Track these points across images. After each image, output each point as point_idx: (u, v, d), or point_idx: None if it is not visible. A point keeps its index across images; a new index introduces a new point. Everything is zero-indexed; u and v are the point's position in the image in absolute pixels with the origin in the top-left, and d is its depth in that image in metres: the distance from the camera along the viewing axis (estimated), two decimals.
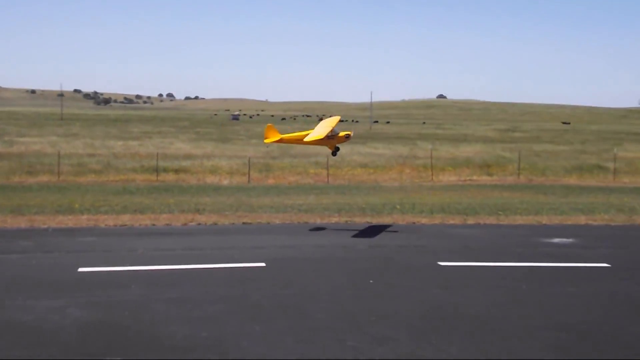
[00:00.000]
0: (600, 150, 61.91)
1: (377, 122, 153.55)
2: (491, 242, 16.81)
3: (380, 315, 10.17)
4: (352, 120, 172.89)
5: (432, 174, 41.87)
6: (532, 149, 61.45)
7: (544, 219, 20.81)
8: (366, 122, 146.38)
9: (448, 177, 41.46)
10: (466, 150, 58.88)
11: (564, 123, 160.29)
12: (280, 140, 19.10)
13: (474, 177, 41.50)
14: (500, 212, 22.13)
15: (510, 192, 31.64)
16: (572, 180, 40.26)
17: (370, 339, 9.10)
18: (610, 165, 43.32)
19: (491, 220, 20.65)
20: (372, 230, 18.41)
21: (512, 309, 10.76)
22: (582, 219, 20.87)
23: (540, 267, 13.96)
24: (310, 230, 18.39)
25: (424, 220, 20.28)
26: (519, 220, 20.75)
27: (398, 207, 23.44)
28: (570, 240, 17.18)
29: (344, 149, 59.54)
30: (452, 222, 20.18)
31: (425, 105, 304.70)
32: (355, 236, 17.29)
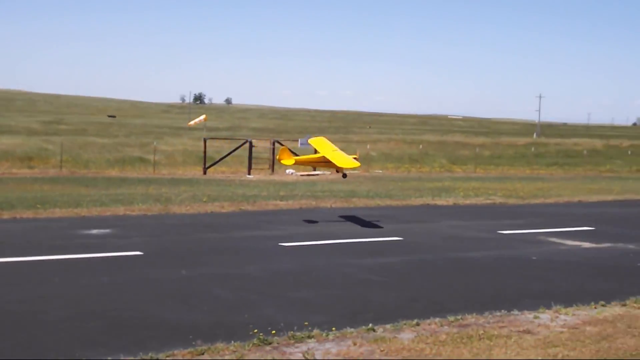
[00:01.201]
0: (143, 143, 63.81)
1: None
2: (26, 237, 16.30)
3: None
4: None
5: None
6: (76, 142, 60.74)
7: (84, 211, 20.85)
8: None
9: None
10: (6, 143, 55.59)
11: (109, 116, 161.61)
12: (296, 162, 20.67)
13: (14, 170, 39.57)
14: (39, 206, 21.52)
15: (51, 185, 30.90)
16: (115, 172, 40.94)
17: None
18: (151, 157, 45.09)
19: (28, 214, 19.98)
20: None
21: (42, 303, 10.60)
22: (121, 210, 21.41)
23: (75, 259, 13.99)
24: None
25: None
26: (58, 213, 20.45)
27: None
28: (108, 230, 17.54)
29: None
30: None
31: None
32: None
